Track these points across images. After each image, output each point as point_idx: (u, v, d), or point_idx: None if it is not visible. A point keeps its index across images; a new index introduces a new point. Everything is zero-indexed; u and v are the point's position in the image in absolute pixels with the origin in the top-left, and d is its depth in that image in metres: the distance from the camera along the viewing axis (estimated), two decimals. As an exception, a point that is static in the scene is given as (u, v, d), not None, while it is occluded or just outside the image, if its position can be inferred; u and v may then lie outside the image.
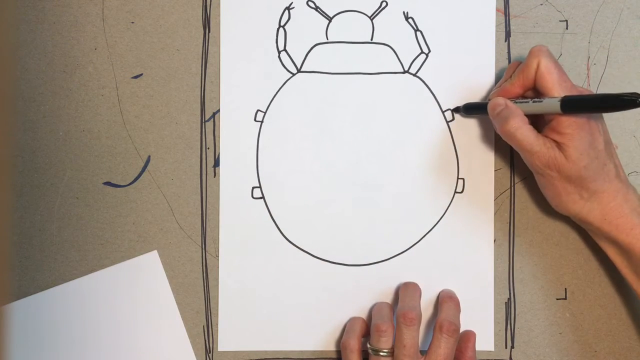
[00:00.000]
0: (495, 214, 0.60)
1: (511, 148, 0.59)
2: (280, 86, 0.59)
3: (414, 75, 0.60)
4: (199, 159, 0.59)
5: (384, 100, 0.59)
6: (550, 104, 0.52)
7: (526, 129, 0.53)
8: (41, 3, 0.59)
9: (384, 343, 0.55)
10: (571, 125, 0.51)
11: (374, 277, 0.59)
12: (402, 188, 0.59)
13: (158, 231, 0.59)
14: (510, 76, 0.56)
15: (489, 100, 0.56)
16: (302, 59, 0.59)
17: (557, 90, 0.52)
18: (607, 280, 0.59)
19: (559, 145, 0.52)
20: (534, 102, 0.53)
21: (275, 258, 0.59)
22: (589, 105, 0.51)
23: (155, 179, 0.59)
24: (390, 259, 0.59)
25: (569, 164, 0.52)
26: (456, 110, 0.59)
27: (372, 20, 0.60)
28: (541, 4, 0.60)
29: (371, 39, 0.60)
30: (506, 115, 0.53)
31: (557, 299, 0.60)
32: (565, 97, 0.51)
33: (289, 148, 0.59)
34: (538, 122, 0.55)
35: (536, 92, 0.55)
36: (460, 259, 0.59)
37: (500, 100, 0.54)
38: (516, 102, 0.54)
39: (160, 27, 0.59)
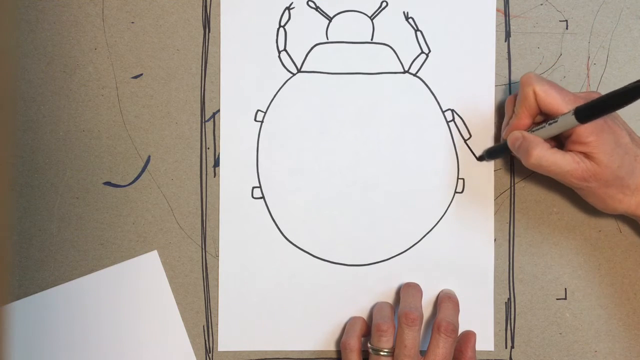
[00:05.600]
0: (495, 214, 0.60)
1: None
2: (280, 86, 0.59)
3: (414, 75, 0.60)
4: (199, 159, 0.59)
5: (384, 100, 0.59)
6: (566, 120, 0.51)
7: (550, 153, 0.52)
8: (41, 3, 0.59)
9: (385, 343, 0.55)
10: (592, 133, 0.51)
11: (374, 277, 0.59)
12: (402, 188, 0.59)
13: (158, 231, 0.59)
14: (512, 111, 0.56)
15: (503, 139, 0.56)
16: (302, 59, 0.59)
17: (563, 107, 0.52)
18: (607, 280, 0.59)
19: (587, 155, 0.52)
20: (549, 124, 0.53)
21: (275, 258, 0.59)
22: (603, 107, 0.50)
23: (155, 179, 0.59)
24: (391, 259, 0.59)
25: (603, 169, 0.52)
26: (480, 158, 0.59)
27: (372, 20, 0.60)
28: (541, 4, 0.60)
29: (371, 39, 0.60)
30: (526, 147, 0.53)
31: (557, 299, 0.60)
32: (577, 108, 0.51)
33: (289, 148, 0.59)
34: (558, 139, 0.55)
35: (544, 115, 0.54)
36: (460, 259, 0.59)
37: (517, 134, 0.54)
38: (533, 131, 0.54)
39: (160, 27, 0.59)
